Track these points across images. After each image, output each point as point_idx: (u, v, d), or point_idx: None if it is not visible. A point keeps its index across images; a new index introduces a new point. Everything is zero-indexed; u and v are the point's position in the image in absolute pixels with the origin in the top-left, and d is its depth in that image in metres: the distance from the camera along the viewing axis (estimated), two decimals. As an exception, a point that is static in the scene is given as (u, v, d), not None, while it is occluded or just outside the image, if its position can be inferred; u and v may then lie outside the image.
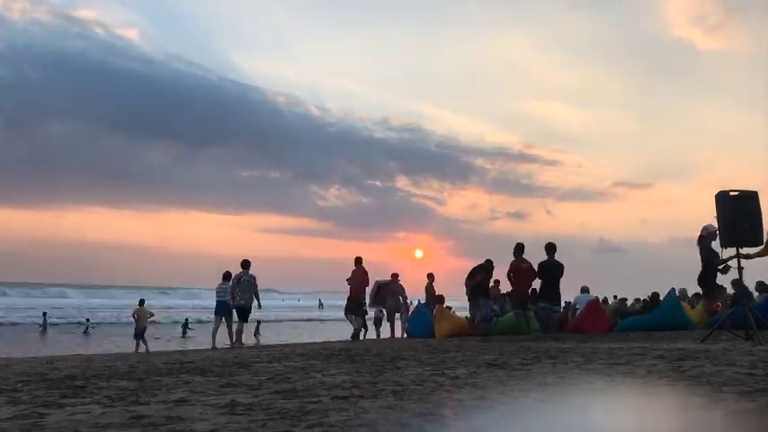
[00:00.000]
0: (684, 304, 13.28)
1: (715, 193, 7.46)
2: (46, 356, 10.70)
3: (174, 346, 16.13)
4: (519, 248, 10.73)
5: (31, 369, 6.27)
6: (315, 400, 3.32)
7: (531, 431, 2.63)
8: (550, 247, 10.53)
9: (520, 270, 10.50)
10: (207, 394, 3.69)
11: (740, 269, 7.45)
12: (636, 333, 10.87)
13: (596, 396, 3.39)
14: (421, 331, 13.83)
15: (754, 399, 2.99)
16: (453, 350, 7.33)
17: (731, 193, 7.47)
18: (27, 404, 3.47)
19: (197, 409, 3.08)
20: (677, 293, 13.68)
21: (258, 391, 3.81)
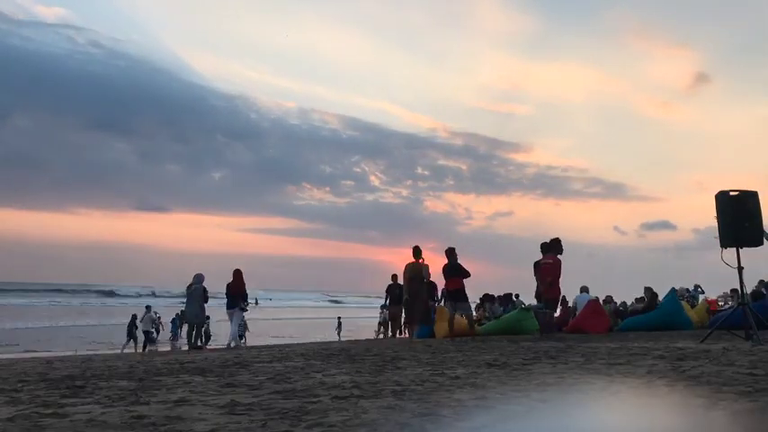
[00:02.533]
0: (684, 303, 13.30)
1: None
2: (46, 357, 10.70)
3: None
4: None
5: (31, 369, 6.27)
6: (315, 400, 3.32)
7: (531, 431, 2.63)
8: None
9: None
10: (207, 394, 3.69)
11: (740, 268, 7.45)
12: (636, 333, 10.88)
13: (596, 396, 3.39)
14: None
15: (754, 399, 2.99)
16: (453, 350, 7.33)
17: (731, 193, 7.48)
18: (27, 404, 3.47)
19: (197, 410, 3.08)
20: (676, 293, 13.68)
21: (258, 391, 3.81)
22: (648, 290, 14.30)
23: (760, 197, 7.51)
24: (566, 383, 3.86)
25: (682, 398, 3.14)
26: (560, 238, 10.65)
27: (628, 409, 2.89)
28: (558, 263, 10.49)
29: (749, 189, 7.53)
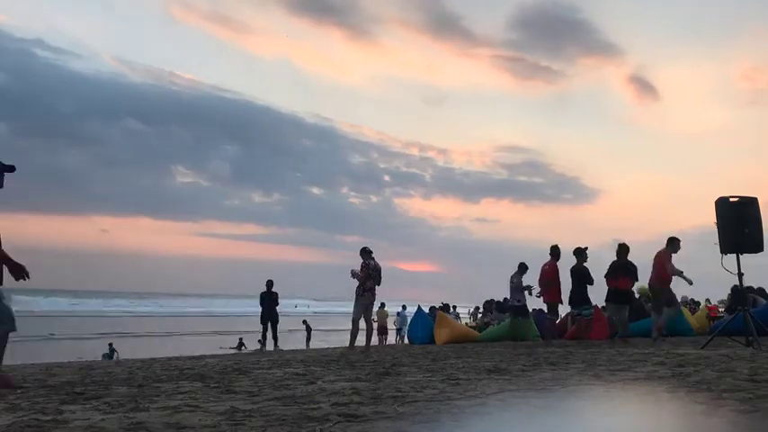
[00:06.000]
0: (684, 310, 13.29)
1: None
2: (45, 363, 10.67)
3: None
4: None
5: (30, 375, 6.26)
6: (315, 406, 3.31)
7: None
8: (579, 252, 10.47)
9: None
10: (206, 401, 3.68)
11: (740, 275, 7.45)
12: (636, 339, 10.86)
13: (597, 402, 3.38)
14: (421, 338, 13.83)
15: (754, 405, 2.99)
16: (453, 356, 7.31)
17: (731, 199, 7.48)
18: (26, 411, 3.46)
19: (196, 416, 3.08)
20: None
21: (257, 397, 3.80)
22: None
23: (759, 203, 7.52)
24: (566, 389, 3.86)
25: (682, 404, 3.14)
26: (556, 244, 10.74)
27: (628, 415, 2.88)
28: (555, 268, 10.58)
29: (749, 195, 7.54)
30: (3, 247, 4.66)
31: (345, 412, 3.06)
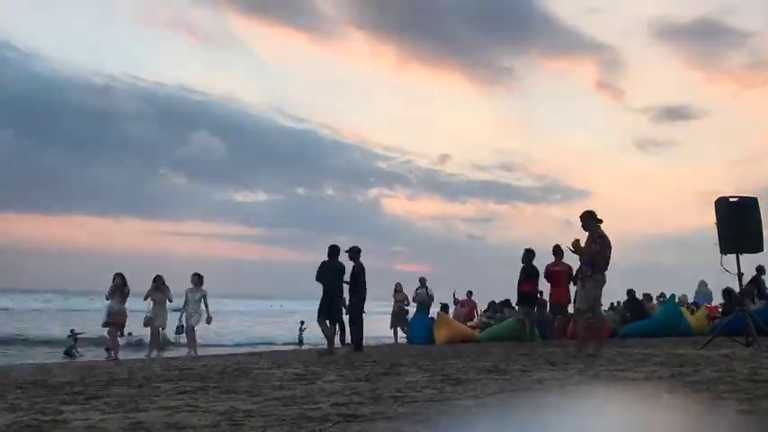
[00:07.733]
0: (684, 310, 13.28)
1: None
2: (45, 363, 10.67)
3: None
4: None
5: (30, 376, 6.26)
6: (314, 406, 3.31)
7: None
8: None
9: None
10: (206, 401, 3.68)
11: (740, 275, 7.45)
12: (636, 339, 10.86)
13: (596, 402, 3.38)
14: (421, 338, 13.83)
15: (754, 405, 2.99)
16: (453, 357, 7.31)
17: (731, 199, 7.48)
18: (26, 411, 3.46)
19: (196, 416, 3.08)
20: (677, 299, 13.66)
21: (257, 397, 3.80)
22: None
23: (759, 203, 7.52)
24: (566, 389, 3.86)
25: (682, 404, 3.14)
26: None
27: (627, 415, 2.89)
28: (566, 267, 10.53)
29: (749, 195, 7.54)
30: None
31: (345, 412, 3.06)
